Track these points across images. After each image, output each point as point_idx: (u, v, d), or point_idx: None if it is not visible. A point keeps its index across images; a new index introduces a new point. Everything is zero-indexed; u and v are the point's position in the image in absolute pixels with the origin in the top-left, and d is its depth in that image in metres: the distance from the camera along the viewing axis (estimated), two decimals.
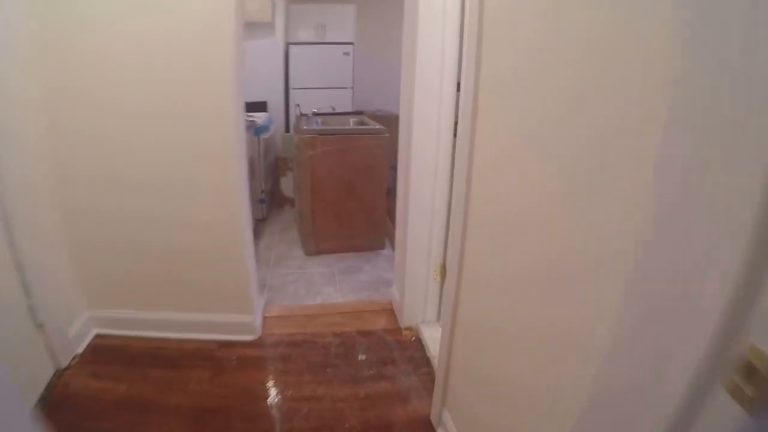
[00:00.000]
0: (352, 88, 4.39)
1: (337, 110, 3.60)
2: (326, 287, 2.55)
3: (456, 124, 1.86)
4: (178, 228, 1.90)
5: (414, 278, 2.13)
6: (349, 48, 4.32)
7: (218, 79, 1.68)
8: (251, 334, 2.08)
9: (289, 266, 2.78)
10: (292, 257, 2.91)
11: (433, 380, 1.80)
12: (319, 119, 3.28)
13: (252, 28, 4.03)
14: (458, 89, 1.81)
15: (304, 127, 2.75)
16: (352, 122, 3.38)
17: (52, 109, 1.69)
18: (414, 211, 1.99)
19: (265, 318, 2.23)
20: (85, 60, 1.65)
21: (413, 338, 2.18)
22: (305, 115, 3.25)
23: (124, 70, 1.66)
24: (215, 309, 2.04)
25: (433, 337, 2.11)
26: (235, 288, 2.01)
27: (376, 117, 3.74)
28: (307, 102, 3.89)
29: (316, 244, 2.92)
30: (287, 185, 3.88)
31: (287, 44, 4.29)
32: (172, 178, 1.82)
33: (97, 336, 2.05)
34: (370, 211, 2.94)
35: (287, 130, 4.34)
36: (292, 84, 4.29)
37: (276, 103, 4.31)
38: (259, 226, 3.43)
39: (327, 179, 2.79)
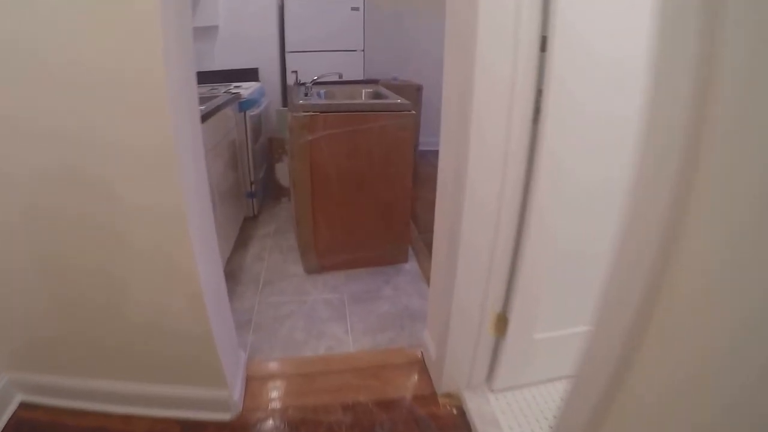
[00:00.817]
0: (363, 51, 3.59)
1: (345, 78, 2.83)
2: (333, 325, 1.87)
3: (538, 103, 1.14)
4: (117, 278, 1.21)
5: (460, 326, 1.44)
6: (359, 2, 3.50)
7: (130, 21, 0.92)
8: (227, 412, 1.43)
9: (283, 290, 2.09)
10: (288, 275, 2.22)
11: None
12: (322, 90, 2.53)
13: None
14: (543, 48, 1.08)
15: (301, 102, 2.01)
16: (365, 94, 2.62)
17: None
18: (469, 231, 1.27)
19: (248, 380, 1.57)
20: None
21: (454, 411, 1.52)
22: (303, 84, 2.50)
23: None
24: (175, 380, 1.39)
25: (483, 414, 1.47)
26: (200, 359, 1.33)
27: (392, 87, 3.00)
28: (307, 69, 3.12)
29: (319, 259, 2.22)
30: (284, 172, 3.16)
31: None
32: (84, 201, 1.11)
33: (23, 405, 1.46)
34: (389, 213, 2.23)
35: (285, 104, 3.58)
36: (288, 46, 3.50)
37: (270, 70, 3.53)
38: (248, 226, 2.74)
39: (332, 173, 2.06)
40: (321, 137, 1.98)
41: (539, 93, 1.14)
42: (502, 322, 1.46)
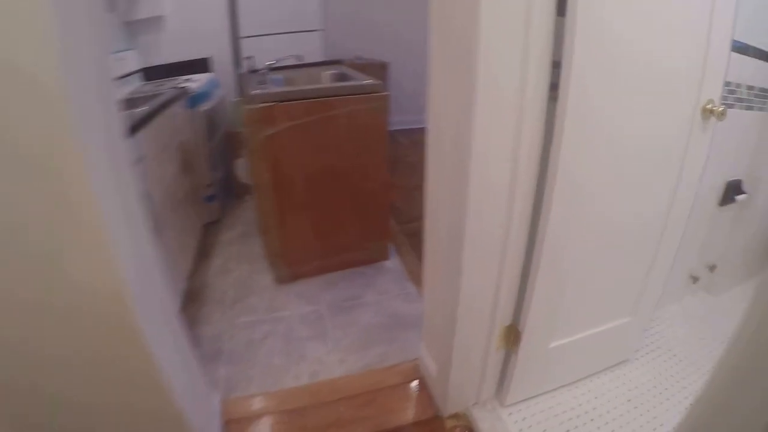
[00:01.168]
0: (324, 30, 3.29)
1: (305, 61, 2.55)
2: (313, 344, 1.64)
3: (557, 70, 0.93)
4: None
5: (467, 336, 1.24)
6: None
7: None
8: None
9: (255, 308, 1.85)
10: (259, 288, 1.97)
11: None
12: (279, 77, 2.25)
13: None
14: (561, 13, 0.88)
15: (255, 92, 1.74)
16: (328, 77, 2.35)
17: None
18: (476, 215, 1.05)
19: (226, 424, 1.33)
20: None
21: None
22: (257, 71, 2.22)
23: None
24: None
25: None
26: (158, 420, 1.08)
27: (357, 67, 2.74)
28: (263, 54, 2.80)
29: (290, 267, 1.98)
30: (245, 169, 2.87)
31: None
32: None
33: None
34: (365, 208, 2.00)
35: (242, 95, 3.26)
36: (242, 31, 3.17)
37: (222, 58, 3.20)
38: (210, 233, 2.47)
39: (297, 169, 1.81)
40: (282, 130, 1.72)
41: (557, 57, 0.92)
42: (512, 334, 1.26)
